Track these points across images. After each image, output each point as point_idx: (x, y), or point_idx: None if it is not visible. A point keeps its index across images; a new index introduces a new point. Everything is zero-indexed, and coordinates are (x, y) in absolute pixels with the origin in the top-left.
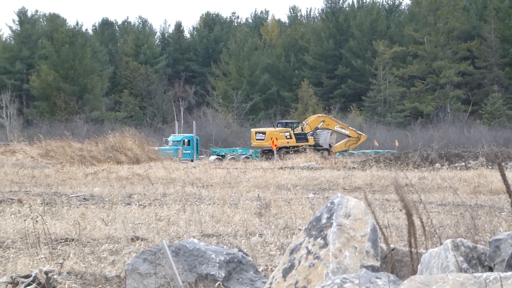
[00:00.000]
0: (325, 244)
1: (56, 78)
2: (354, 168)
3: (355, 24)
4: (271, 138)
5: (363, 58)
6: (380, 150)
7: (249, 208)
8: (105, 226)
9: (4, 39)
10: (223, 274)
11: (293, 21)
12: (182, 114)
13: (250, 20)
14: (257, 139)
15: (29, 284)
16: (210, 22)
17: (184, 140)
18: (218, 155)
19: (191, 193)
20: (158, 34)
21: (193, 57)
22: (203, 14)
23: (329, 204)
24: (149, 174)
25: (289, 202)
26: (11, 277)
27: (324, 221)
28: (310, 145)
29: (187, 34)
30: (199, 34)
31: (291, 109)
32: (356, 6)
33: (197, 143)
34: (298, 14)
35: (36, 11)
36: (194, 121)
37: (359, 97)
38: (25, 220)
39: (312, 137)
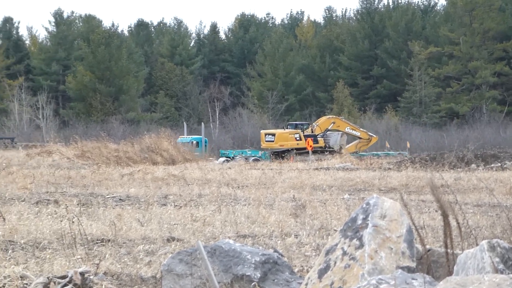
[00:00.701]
0: (361, 245)
1: (92, 79)
2: (389, 169)
3: (391, 25)
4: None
5: (398, 59)
6: (391, 152)
7: (285, 209)
8: (141, 226)
9: (40, 41)
10: (259, 275)
11: (328, 22)
12: (217, 115)
13: (286, 21)
14: (266, 141)
15: (65, 285)
16: (245, 23)
17: (192, 142)
18: (227, 157)
19: (226, 194)
20: (193, 35)
21: (228, 58)
22: (238, 15)
23: (364, 205)
24: (185, 175)
25: (324, 203)
26: (47, 277)
27: (359, 222)
28: (320, 147)
29: (222, 35)
30: (235, 35)
31: (326, 110)
32: (391, 6)
33: (205, 145)
34: (334, 14)
35: (72, 12)
36: (202, 123)
37: (395, 97)
38: (61, 221)
39: (322, 138)
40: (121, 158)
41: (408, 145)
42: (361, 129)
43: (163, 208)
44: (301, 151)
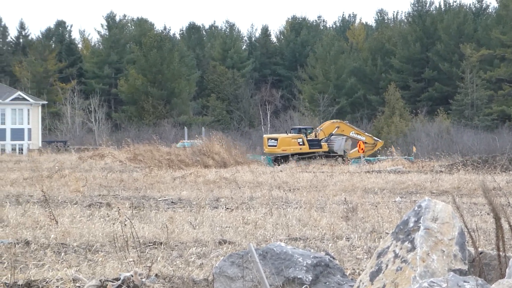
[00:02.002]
0: (413, 248)
1: (144, 82)
2: (441, 171)
3: (442, 27)
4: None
5: (450, 61)
6: (397, 157)
7: (336, 211)
8: (193, 229)
9: (92, 44)
10: (310, 278)
11: (380, 24)
12: (268, 118)
13: (337, 24)
14: (269, 146)
15: (118, 287)
16: (296, 26)
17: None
18: None
19: (277, 197)
20: (245, 38)
21: (279, 61)
22: (289, 18)
23: (416, 208)
24: (236, 177)
25: (376, 206)
26: (100, 280)
27: (411, 224)
28: (324, 151)
29: (273, 38)
30: (286, 38)
31: (378, 113)
32: (443, 9)
33: None
34: (385, 17)
35: (124, 15)
36: (203, 128)
37: (446, 100)
38: (113, 224)
39: (326, 143)
40: (173, 161)
41: (414, 149)
42: (366, 133)
43: (214, 211)
44: (303, 156)
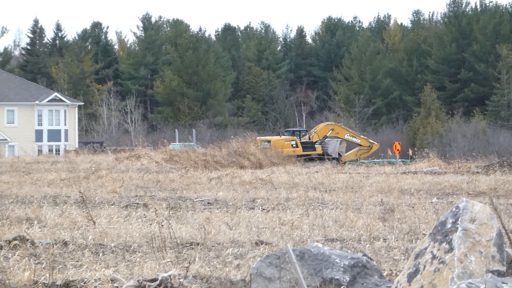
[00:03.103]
0: (450, 249)
1: (180, 83)
2: (477, 172)
3: (478, 28)
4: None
5: (486, 62)
6: (394, 160)
7: (372, 212)
8: (230, 230)
9: (128, 45)
10: (348, 279)
11: (415, 25)
12: (304, 119)
13: (373, 24)
14: (262, 148)
15: None
16: (332, 26)
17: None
18: None
19: (314, 198)
20: (280, 39)
21: (315, 62)
22: (325, 19)
23: (454, 209)
24: (272, 178)
25: (412, 207)
26: (137, 280)
27: (449, 225)
28: (318, 154)
29: (309, 39)
30: (321, 39)
31: (414, 114)
32: (479, 9)
33: None
34: (421, 18)
35: (160, 17)
36: (193, 129)
37: (483, 101)
38: (150, 225)
39: (320, 146)
40: (209, 162)
41: (411, 152)
42: (361, 136)
43: (251, 212)
44: (300, 157)
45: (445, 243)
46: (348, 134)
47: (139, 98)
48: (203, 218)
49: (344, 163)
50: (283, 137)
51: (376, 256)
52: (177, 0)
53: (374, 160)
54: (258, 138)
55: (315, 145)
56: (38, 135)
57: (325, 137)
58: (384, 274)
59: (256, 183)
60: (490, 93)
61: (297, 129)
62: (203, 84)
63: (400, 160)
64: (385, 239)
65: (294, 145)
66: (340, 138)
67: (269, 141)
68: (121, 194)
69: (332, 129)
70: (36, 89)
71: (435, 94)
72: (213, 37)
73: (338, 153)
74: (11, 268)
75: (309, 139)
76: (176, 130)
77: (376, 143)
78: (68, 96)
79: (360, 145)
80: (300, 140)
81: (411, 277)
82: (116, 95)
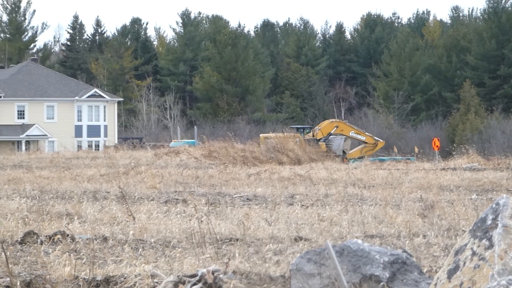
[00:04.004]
0: (490, 246)
1: (219, 79)
2: None
3: None
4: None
5: None
6: (398, 157)
7: (412, 209)
8: (269, 226)
9: (168, 41)
10: (387, 275)
11: (455, 21)
12: (343, 115)
13: (412, 21)
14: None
15: (195, 283)
16: (371, 22)
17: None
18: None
19: (353, 194)
20: (319, 35)
21: (354, 58)
22: (364, 15)
23: (494, 205)
24: (311, 174)
25: (452, 203)
26: (177, 276)
27: (489, 222)
28: (322, 151)
29: (348, 35)
30: (360, 35)
31: (453, 110)
32: None
33: None
34: (460, 14)
35: (199, 13)
36: (195, 127)
37: None
38: (190, 220)
39: (324, 143)
40: (248, 158)
41: (416, 149)
42: (366, 133)
43: (290, 208)
44: None
45: (485, 239)
46: (353, 132)
47: (178, 94)
48: (242, 214)
49: (349, 160)
50: (286, 134)
51: (416, 252)
52: None
53: (379, 158)
54: (261, 135)
55: (319, 142)
56: (78, 131)
57: (330, 134)
58: (424, 270)
59: (294, 179)
60: None
61: (301, 126)
62: (242, 80)
63: (405, 157)
64: (424, 235)
65: (297, 142)
66: (344, 135)
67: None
68: (161, 190)
69: (337, 126)
70: (76, 85)
71: (475, 90)
72: (252, 33)
73: (343, 151)
74: (52, 263)
75: (313, 136)
76: (178, 127)
77: (381, 140)
78: (107, 92)
79: (365, 143)
80: (304, 137)
81: (451, 273)
82: (155, 91)
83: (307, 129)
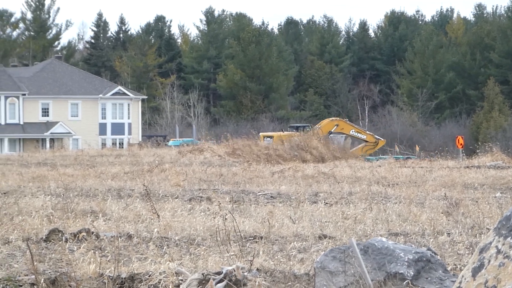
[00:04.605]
0: None
1: (243, 77)
2: None
3: None
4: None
5: None
6: (399, 156)
7: (436, 207)
8: (293, 224)
9: (191, 39)
10: (412, 273)
11: (478, 19)
12: (366, 112)
13: (435, 18)
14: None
15: (220, 281)
16: (395, 20)
17: (183, 145)
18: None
19: (377, 192)
20: (343, 33)
21: (377, 55)
22: (387, 12)
23: None
24: (335, 172)
25: (476, 201)
26: (202, 273)
27: None
28: None
29: (371, 33)
30: (384, 33)
31: (477, 108)
32: None
33: None
34: (484, 11)
35: (223, 10)
36: (193, 125)
37: None
38: (214, 218)
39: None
40: (271, 155)
41: (417, 148)
42: (367, 132)
43: (314, 206)
44: None
45: (510, 237)
46: (353, 130)
47: (202, 92)
48: (266, 212)
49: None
50: (286, 132)
51: (440, 250)
52: None
53: (379, 157)
54: (261, 134)
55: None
56: (102, 129)
57: (330, 133)
58: (448, 268)
59: (318, 177)
60: None
61: (301, 124)
62: (265, 77)
63: (406, 157)
64: (449, 233)
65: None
66: (345, 134)
67: (271, 137)
68: (185, 188)
69: (337, 125)
70: (100, 83)
71: (499, 88)
72: (275, 30)
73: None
74: (77, 261)
75: (313, 134)
76: (176, 126)
77: (382, 139)
78: (131, 90)
79: (366, 141)
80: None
81: (475, 271)
82: (179, 89)
83: (307, 127)
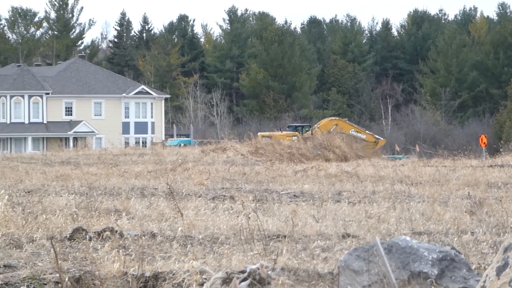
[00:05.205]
0: None
1: (265, 76)
2: None
3: None
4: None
5: None
6: (399, 156)
7: (460, 206)
8: (316, 223)
9: (214, 38)
10: (436, 272)
11: (502, 18)
12: (389, 111)
13: (458, 17)
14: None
15: (244, 279)
16: (418, 19)
17: (180, 145)
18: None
19: (400, 191)
20: (365, 32)
21: (400, 54)
22: (410, 12)
23: None
24: (358, 171)
25: (500, 200)
26: (226, 272)
27: None
28: None
29: (394, 32)
30: (407, 32)
31: (500, 107)
32: None
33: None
34: (507, 10)
35: (246, 10)
36: (191, 125)
37: None
38: (237, 217)
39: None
40: (294, 154)
41: (418, 148)
42: (367, 131)
43: (337, 205)
44: None
45: None
46: (353, 130)
47: (225, 91)
48: (290, 211)
49: None
50: (284, 132)
51: (464, 249)
52: None
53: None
54: (259, 133)
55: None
56: (125, 128)
57: (329, 132)
58: (473, 267)
59: (341, 176)
60: None
61: (300, 124)
62: (288, 77)
63: (406, 157)
64: (472, 232)
65: (295, 141)
66: (344, 133)
67: (269, 137)
68: (208, 186)
69: (336, 125)
70: (123, 82)
71: None
72: (298, 30)
73: None
74: (101, 259)
75: (312, 134)
76: (174, 125)
77: (382, 138)
78: (154, 89)
79: (366, 141)
80: (302, 135)
81: (499, 270)
82: (202, 88)
83: (305, 127)
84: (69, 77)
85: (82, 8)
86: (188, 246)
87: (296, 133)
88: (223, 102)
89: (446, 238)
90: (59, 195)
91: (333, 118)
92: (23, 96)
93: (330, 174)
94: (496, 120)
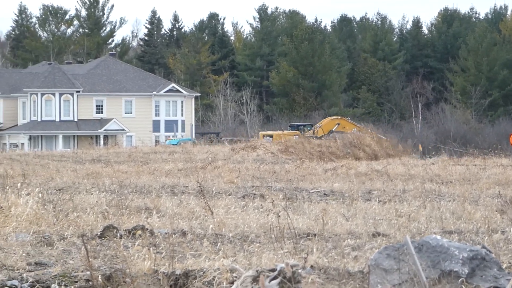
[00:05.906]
0: None
1: (295, 74)
2: None
3: None
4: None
5: None
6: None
7: (490, 205)
8: (346, 221)
9: (245, 36)
10: (467, 271)
11: None
12: (420, 110)
13: (489, 16)
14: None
15: (274, 278)
16: (448, 18)
17: (180, 144)
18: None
19: (430, 190)
20: (396, 30)
21: (431, 53)
22: (441, 10)
23: None
24: (388, 170)
25: None
26: (256, 270)
27: None
28: None
29: (425, 30)
30: (438, 30)
31: None
32: None
33: None
34: None
35: (276, 8)
36: (191, 124)
37: None
38: (267, 215)
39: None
40: (324, 153)
41: (420, 147)
42: (370, 130)
43: (367, 203)
44: None
45: None
46: (355, 129)
47: (255, 89)
48: (320, 209)
49: None
50: (285, 131)
51: (495, 248)
52: None
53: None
54: (260, 132)
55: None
56: (156, 126)
57: (331, 131)
58: (503, 266)
59: (371, 174)
60: None
61: (302, 123)
62: (318, 75)
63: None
64: (503, 231)
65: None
66: (346, 132)
67: (271, 136)
68: (238, 185)
69: (338, 124)
70: (154, 80)
71: None
72: (328, 28)
73: None
74: (131, 257)
75: (313, 133)
76: (174, 125)
77: (385, 138)
78: (185, 87)
79: None
80: (304, 134)
81: None
82: (232, 86)
83: (307, 126)
84: (99, 75)
85: (112, 6)
86: (219, 244)
87: (298, 132)
88: (253, 101)
89: (477, 237)
90: (90, 193)
91: (335, 117)
92: (54, 94)
93: (360, 172)
94: None
